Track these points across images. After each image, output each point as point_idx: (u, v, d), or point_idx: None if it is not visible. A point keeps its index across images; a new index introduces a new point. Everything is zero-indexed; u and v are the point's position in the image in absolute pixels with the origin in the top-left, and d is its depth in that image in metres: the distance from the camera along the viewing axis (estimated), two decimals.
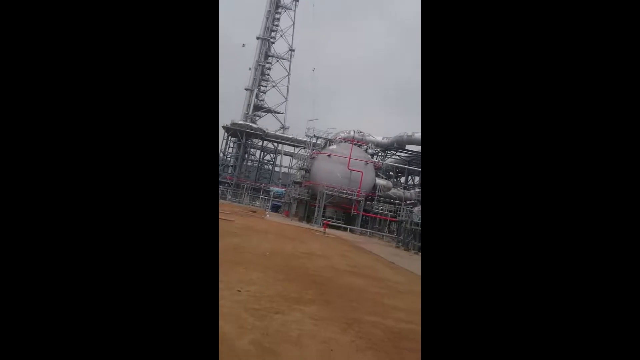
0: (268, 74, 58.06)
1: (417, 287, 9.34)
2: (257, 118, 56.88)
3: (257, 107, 57.13)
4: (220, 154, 51.20)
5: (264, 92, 58.09)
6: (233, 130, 50.51)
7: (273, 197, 43.54)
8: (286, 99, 57.38)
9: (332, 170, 32.44)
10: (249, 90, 56.07)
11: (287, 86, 57.59)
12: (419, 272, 11.94)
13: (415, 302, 7.46)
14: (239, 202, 45.88)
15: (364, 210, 32.06)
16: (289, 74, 57.77)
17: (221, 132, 50.15)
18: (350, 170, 32.05)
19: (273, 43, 57.95)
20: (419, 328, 5.58)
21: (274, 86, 57.84)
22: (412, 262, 15.18)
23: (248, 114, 55.11)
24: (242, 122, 51.39)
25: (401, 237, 24.35)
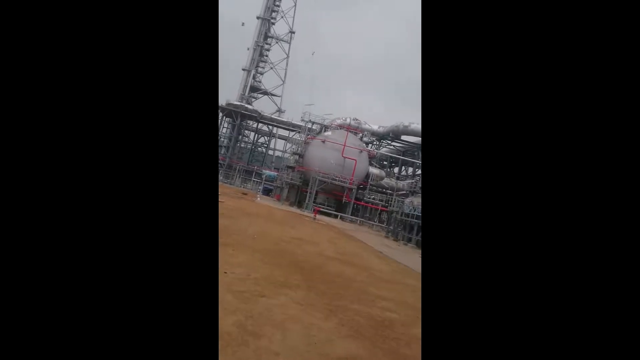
0: (267, 55, 57.11)
1: (404, 278, 9.41)
2: (253, 99, 56.17)
3: (254, 89, 56.37)
4: None
5: (262, 74, 57.26)
6: (228, 111, 49.86)
7: (265, 181, 43.41)
8: (283, 81, 56.74)
9: (325, 157, 32.34)
10: (246, 70, 55.18)
11: (285, 69, 56.89)
12: (407, 263, 12.05)
13: (401, 293, 7.51)
14: (230, 184, 45.68)
15: (356, 199, 32.16)
16: (287, 56, 56.96)
17: None
18: (344, 157, 31.98)
19: (273, 24, 56.88)
20: (404, 318, 5.65)
21: (272, 68, 57.04)
22: (401, 253, 15.31)
23: (244, 94, 54.34)
24: (238, 103, 50.68)
25: (391, 227, 24.52)
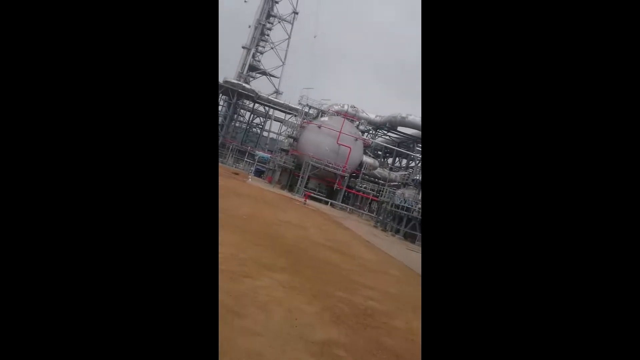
0: (268, 35, 56.02)
1: (390, 269, 9.53)
2: (251, 79, 55.26)
3: (253, 68, 55.41)
4: None
5: (262, 53, 56.24)
6: (225, 89, 49.09)
7: (257, 162, 43.18)
8: (283, 63, 55.83)
9: (320, 142, 32.21)
10: (246, 48, 54.15)
11: (286, 50, 55.90)
12: (393, 254, 12.19)
13: (385, 283, 7.61)
14: (223, 163, 45.37)
15: (347, 187, 32.24)
16: (289, 37, 55.93)
17: None
18: (339, 144, 31.89)
19: (277, 2, 55.66)
20: (386, 308, 5.73)
21: (272, 48, 56.04)
22: (388, 244, 15.47)
23: (242, 73, 53.42)
24: (235, 81, 49.87)
25: (380, 218, 24.70)
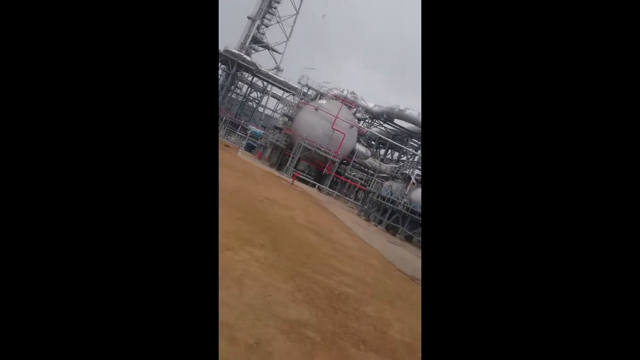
0: (275, 8, 54.60)
1: (368, 257, 9.65)
2: (253, 51, 54.13)
3: (256, 40, 54.14)
4: None
5: (267, 26, 54.91)
6: (225, 58, 48.00)
7: (250, 137, 42.76)
8: (288, 39, 54.72)
9: (315, 125, 31.98)
10: (252, 19, 52.78)
11: (292, 26, 54.68)
12: (373, 244, 12.34)
13: (362, 270, 7.72)
14: None
15: (337, 172, 32.27)
16: (297, 13, 54.67)
17: None
18: (334, 129, 31.73)
19: None
20: (359, 295, 5.82)
21: (278, 22, 54.71)
22: (370, 233, 15.64)
23: (244, 44, 52.21)
24: (236, 52, 48.74)
25: (365, 207, 24.89)
